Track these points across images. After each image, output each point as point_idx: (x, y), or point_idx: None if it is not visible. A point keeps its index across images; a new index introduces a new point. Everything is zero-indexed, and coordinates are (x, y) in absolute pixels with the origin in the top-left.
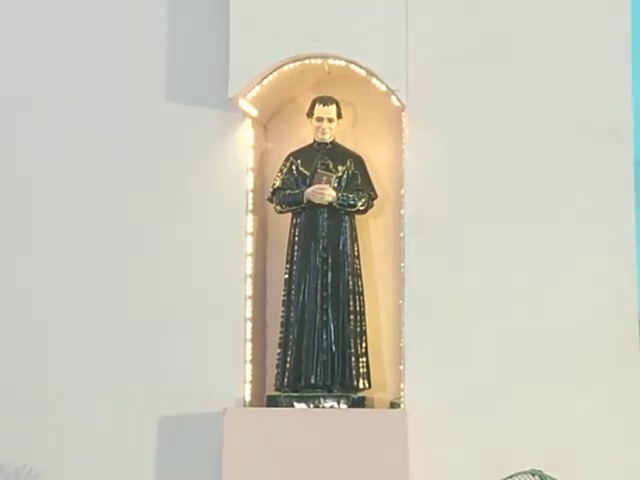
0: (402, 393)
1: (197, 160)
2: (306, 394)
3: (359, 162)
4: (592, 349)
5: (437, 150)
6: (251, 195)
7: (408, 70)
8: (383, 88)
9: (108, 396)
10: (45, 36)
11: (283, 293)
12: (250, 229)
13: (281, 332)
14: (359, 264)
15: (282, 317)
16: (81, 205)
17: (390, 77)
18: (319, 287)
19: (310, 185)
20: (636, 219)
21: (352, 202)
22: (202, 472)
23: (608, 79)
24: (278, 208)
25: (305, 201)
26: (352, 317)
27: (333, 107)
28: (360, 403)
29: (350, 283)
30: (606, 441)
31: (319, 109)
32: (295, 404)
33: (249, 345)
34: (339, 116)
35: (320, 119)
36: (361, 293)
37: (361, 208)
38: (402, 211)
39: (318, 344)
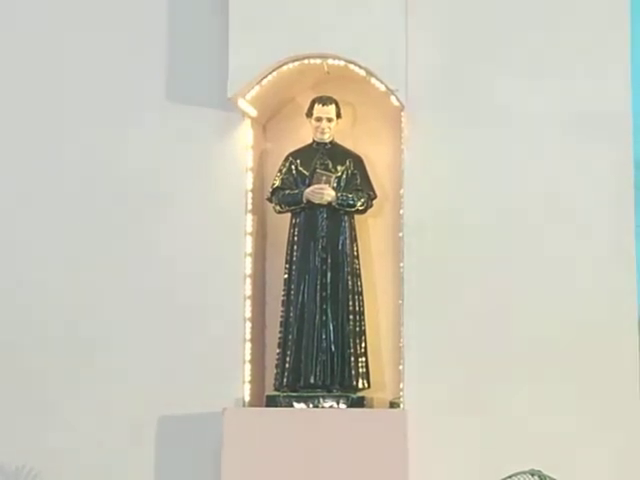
0: (401, 393)
1: (196, 160)
2: (305, 394)
3: (358, 162)
4: (592, 349)
5: (436, 150)
6: (250, 195)
7: (407, 70)
8: (382, 88)
9: (108, 396)
10: (45, 36)
11: (282, 293)
12: (249, 229)
13: (280, 332)
14: (358, 264)
15: (281, 317)
16: (81, 205)
17: (389, 77)
18: (318, 287)
19: (309, 185)
20: (636, 219)
21: (351, 202)
22: (201, 472)
23: (608, 79)
24: (277, 208)
25: (304, 201)
26: (351, 317)
27: (332, 107)
28: (359, 403)
29: (349, 283)
30: (606, 441)
31: (318, 109)
32: (294, 404)
33: (248, 345)
34: (338, 116)
35: (319, 119)
36: (360, 293)
37: (360, 208)
38: (401, 211)
39: (317, 344)
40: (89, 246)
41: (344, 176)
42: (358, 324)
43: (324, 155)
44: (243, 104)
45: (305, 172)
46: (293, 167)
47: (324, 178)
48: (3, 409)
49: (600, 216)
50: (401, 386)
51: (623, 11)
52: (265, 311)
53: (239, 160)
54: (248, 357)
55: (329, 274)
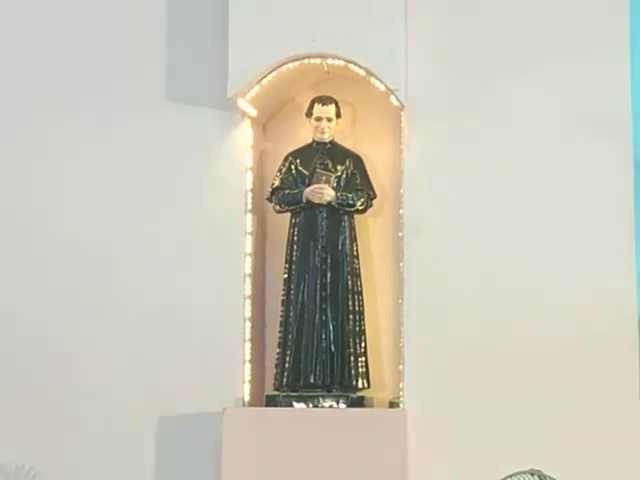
0: (401, 393)
1: (196, 160)
2: (305, 394)
3: (358, 162)
4: (592, 349)
5: (436, 150)
6: (250, 195)
7: (407, 70)
8: (382, 88)
9: (107, 396)
10: (45, 36)
11: (282, 293)
12: (249, 229)
13: (280, 332)
14: (358, 264)
15: (281, 317)
16: (80, 205)
17: (389, 77)
18: (318, 287)
19: (309, 185)
20: (636, 219)
21: (351, 202)
22: (201, 472)
23: (608, 79)
24: (277, 208)
25: (304, 201)
26: (351, 317)
27: (332, 107)
28: (359, 403)
29: (349, 283)
30: (605, 441)
31: (318, 109)
32: (294, 404)
33: (248, 345)
34: (338, 116)
35: (319, 119)
36: (360, 293)
37: (360, 208)
38: (401, 211)
39: (317, 344)
40: (89, 245)
41: (344, 176)
42: (358, 324)
43: (324, 155)
44: (243, 104)
45: (305, 172)
46: (293, 167)
47: (324, 178)
48: (3, 409)
49: (600, 216)
50: (401, 386)
51: (623, 11)
52: (265, 311)
53: (239, 160)
54: (248, 357)
55: (329, 274)
